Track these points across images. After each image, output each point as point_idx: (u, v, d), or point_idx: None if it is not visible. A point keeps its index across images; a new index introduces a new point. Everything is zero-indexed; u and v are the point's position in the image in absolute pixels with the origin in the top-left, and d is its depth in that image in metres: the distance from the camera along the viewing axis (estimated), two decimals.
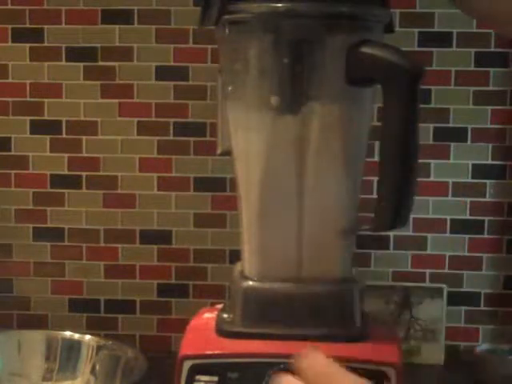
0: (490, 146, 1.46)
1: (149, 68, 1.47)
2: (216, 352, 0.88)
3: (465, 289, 1.48)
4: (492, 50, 1.43)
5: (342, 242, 0.91)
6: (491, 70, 1.44)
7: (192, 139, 1.48)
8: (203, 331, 0.93)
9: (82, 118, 1.49)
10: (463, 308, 1.48)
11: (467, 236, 1.47)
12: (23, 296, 1.53)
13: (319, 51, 0.86)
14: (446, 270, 1.48)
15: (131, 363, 1.19)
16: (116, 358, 1.22)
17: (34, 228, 1.52)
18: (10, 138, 1.50)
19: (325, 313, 0.89)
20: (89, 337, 1.27)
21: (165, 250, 1.50)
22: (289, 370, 0.86)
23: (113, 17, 1.47)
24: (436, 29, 1.44)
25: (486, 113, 1.45)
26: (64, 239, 1.51)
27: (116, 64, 1.48)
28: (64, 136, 1.50)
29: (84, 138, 1.49)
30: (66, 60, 1.48)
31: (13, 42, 1.48)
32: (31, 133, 1.50)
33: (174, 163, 1.49)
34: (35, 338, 1.29)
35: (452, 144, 1.46)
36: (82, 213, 1.51)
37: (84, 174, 1.50)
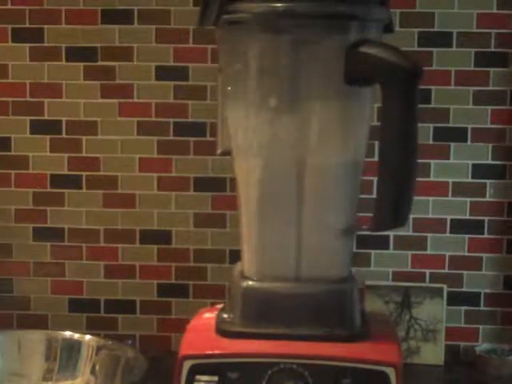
0: (490, 145, 1.46)
1: (149, 68, 1.47)
2: (216, 352, 0.88)
3: (465, 289, 1.48)
4: (492, 49, 1.43)
5: (341, 241, 0.91)
6: (491, 70, 1.44)
7: (192, 139, 1.48)
8: (203, 331, 0.93)
9: (82, 118, 1.49)
10: (463, 308, 1.48)
11: (467, 236, 1.47)
12: (23, 296, 1.53)
13: (318, 51, 0.86)
14: (446, 270, 1.48)
15: (131, 363, 1.19)
16: (116, 358, 1.22)
17: (34, 228, 1.52)
18: (9, 138, 1.50)
19: (324, 313, 0.89)
20: (89, 337, 1.27)
21: (165, 250, 1.50)
22: (288, 369, 0.86)
23: (113, 17, 1.47)
24: (436, 29, 1.44)
25: (486, 113, 1.45)
26: (64, 239, 1.51)
27: (116, 64, 1.48)
28: (64, 136, 1.50)
29: (84, 138, 1.49)
30: (66, 60, 1.48)
31: (13, 42, 1.48)
32: (31, 133, 1.50)
33: (174, 163, 1.49)
34: (35, 338, 1.29)
35: (452, 144, 1.46)
36: (82, 213, 1.51)
37: (84, 173, 1.50)
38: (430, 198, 1.47)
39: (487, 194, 1.46)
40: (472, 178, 1.46)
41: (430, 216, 1.47)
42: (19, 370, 1.26)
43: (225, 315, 0.94)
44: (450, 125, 1.46)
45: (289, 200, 0.89)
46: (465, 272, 1.48)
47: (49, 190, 1.51)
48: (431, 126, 1.46)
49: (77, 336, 1.28)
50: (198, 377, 0.87)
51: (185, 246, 1.50)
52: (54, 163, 1.50)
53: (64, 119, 1.49)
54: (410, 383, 0.92)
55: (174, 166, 1.49)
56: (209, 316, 0.96)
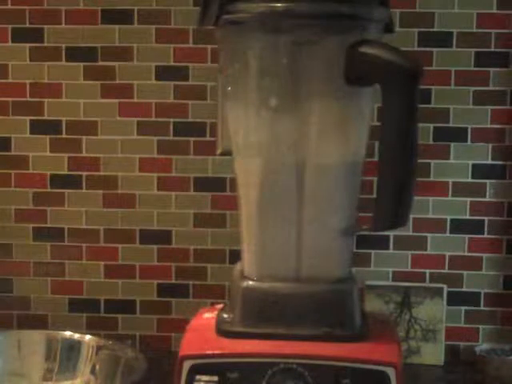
0: (490, 145, 1.46)
1: (149, 68, 1.47)
2: (216, 352, 0.88)
3: (465, 289, 1.48)
4: (492, 50, 1.43)
5: (341, 241, 0.91)
6: (491, 70, 1.44)
7: (192, 139, 1.48)
8: (203, 331, 0.93)
9: (82, 118, 1.49)
10: (463, 308, 1.48)
11: (467, 236, 1.47)
12: (23, 296, 1.53)
13: (318, 51, 0.86)
14: (446, 270, 1.48)
15: (131, 363, 1.19)
16: (116, 358, 1.22)
17: (33, 228, 1.52)
18: (9, 138, 1.50)
19: (324, 313, 0.89)
20: (89, 337, 1.27)
21: (165, 250, 1.50)
22: (288, 369, 0.86)
23: (113, 17, 1.47)
24: (436, 29, 1.44)
25: (486, 113, 1.45)
26: (64, 239, 1.51)
27: (116, 64, 1.48)
28: (64, 136, 1.50)
29: (84, 137, 1.49)
30: (66, 60, 1.48)
31: (13, 42, 1.48)
32: (31, 133, 1.50)
33: (174, 163, 1.49)
34: (35, 338, 1.29)
35: (452, 144, 1.46)
36: (82, 213, 1.51)
37: (84, 173, 1.50)
38: (430, 198, 1.46)
39: (487, 194, 1.46)
40: (472, 178, 1.46)
41: (430, 216, 1.47)
42: (19, 369, 1.26)
43: (225, 315, 0.94)
44: (450, 125, 1.46)
45: (289, 200, 0.89)
46: (465, 272, 1.48)
47: (49, 190, 1.51)
48: (431, 126, 1.45)
49: (77, 336, 1.28)
50: (198, 377, 0.87)
51: (185, 246, 1.50)
52: (54, 163, 1.50)
53: (64, 119, 1.49)
54: (410, 383, 0.92)
55: (174, 166, 1.49)
56: (209, 316, 0.96)
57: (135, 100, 1.48)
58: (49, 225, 1.51)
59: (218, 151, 0.98)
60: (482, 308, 1.48)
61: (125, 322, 1.52)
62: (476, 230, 1.47)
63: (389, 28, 0.91)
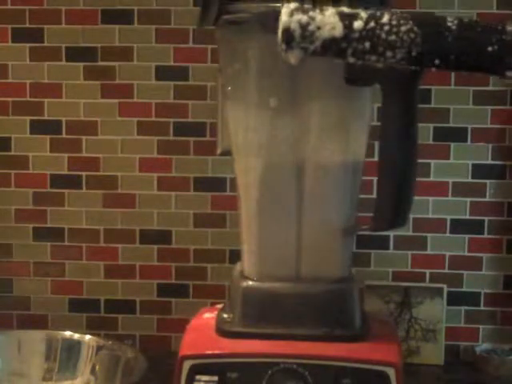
0: (490, 146, 1.46)
1: (149, 68, 1.47)
2: (216, 352, 0.88)
3: (465, 289, 1.48)
4: None
5: (341, 241, 0.91)
6: None
7: (192, 139, 1.48)
8: (203, 331, 0.93)
9: (82, 118, 1.49)
10: (463, 308, 1.48)
11: (467, 236, 1.47)
12: (23, 296, 1.53)
13: None
14: (446, 270, 1.48)
15: (131, 363, 1.19)
16: (116, 358, 1.22)
17: (33, 228, 1.52)
18: (9, 137, 1.50)
19: (324, 312, 0.89)
20: (89, 337, 1.27)
21: (165, 250, 1.50)
22: (288, 369, 0.86)
23: (113, 17, 1.47)
24: None
25: (486, 113, 1.45)
26: (64, 239, 1.51)
27: (116, 64, 1.48)
28: (64, 136, 1.50)
29: (84, 137, 1.49)
30: (66, 60, 1.48)
31: (13, 42, 1.48)
32: (31, 133, 1.50)
33: (174, 163, 1.49)
34: (35, 338, 1.29)
35: (452, 144, 1.46)
36: (82, 213, 1.51)
37: (84, 173, 1.50)
38: (430, 198, 1.46)
39: (487, 194, 1.46)
40: (472, 178, 1.46)
41: (430, 216, 1.47)
42: (19, 369, 1.26)
43: (225, 315, 0.94)
44: (450, 125, 1.46)
45: (289, 200, 0.89)
46: (465, 272, 1.48)
47: (49, 190, 1.51)
48: (431, 126, 1.45)
49: (77, 336, 1.28)
50: (198, 377, 0.87)
51: (185, 246, 1.50)
52: (54, 163, 1.50)
53: (64, 119, 1.49)
54: (410, 383, 0.92)
55: (174, 166, 1.49)
56: (209, 316, 0.96)
57: (135, 100, 1.48)
58: (49, 225, 1.51)
59: (218, 151, 0.98)
60: (481, 308, 1.48)
61: (125, 322, 1.52)
62: (476, 230, 1.47)
63: None
